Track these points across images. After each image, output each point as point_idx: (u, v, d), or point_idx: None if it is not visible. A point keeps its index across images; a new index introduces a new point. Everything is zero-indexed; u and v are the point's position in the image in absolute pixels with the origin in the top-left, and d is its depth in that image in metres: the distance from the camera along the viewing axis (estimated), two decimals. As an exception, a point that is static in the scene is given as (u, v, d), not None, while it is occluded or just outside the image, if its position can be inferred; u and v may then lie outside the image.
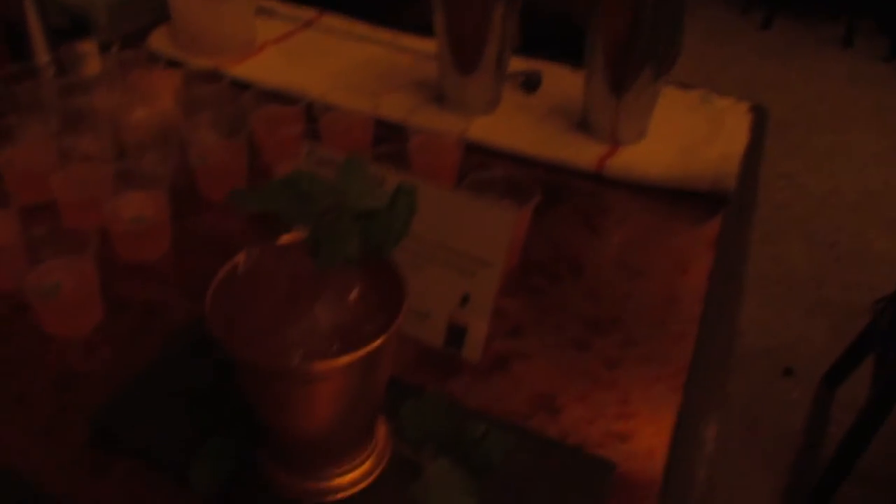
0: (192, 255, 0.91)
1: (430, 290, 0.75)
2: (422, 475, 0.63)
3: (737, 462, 1.82)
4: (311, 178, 0.55)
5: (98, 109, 1.05)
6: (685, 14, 1.04)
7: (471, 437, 0.66)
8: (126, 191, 0.90)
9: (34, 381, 0.75)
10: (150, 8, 1.51)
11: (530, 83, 1.26)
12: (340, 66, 1.31)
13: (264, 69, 1.29)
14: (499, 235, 0.72)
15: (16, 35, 1.27)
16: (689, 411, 0.72)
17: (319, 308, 0.53)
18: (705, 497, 0.66)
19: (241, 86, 1.11)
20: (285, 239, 0.59)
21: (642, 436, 0.70)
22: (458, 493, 0.62)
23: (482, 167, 0.91)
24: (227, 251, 0.59)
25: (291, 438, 0.61)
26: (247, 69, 1.29)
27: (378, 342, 0.52)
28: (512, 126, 1.16)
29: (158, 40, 1.37)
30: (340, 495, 0.63)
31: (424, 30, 1.33)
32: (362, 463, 0.64)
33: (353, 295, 0.54)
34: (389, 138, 0.99)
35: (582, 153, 1.09)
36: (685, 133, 1.14)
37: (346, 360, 0.50)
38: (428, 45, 1.34)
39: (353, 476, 0.63)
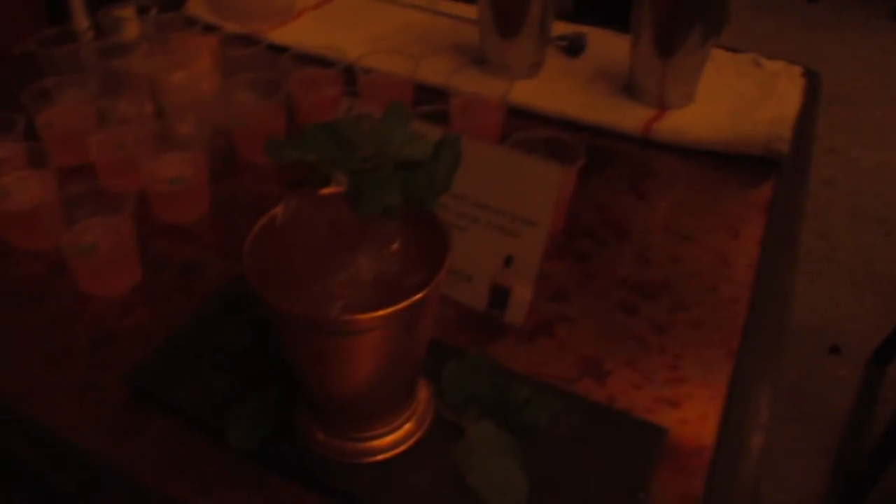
0: (229, 217, 0.90)
1: (472, 252, 0.72)
2: (464, 437, 0.61)
3: (782, 439, 1.78)
4: (351, 125, 0.53)
5: (136, 72, 1.04)
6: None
7: (515, 399, 0.64)
8: (164, 153, 0.89)
9: (71, 340, 0.74)
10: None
11: (574, 47, 1.23)
12: (379, 31, 1.29)
13: (302, 34, 1.27)
14: (545, 194, 0.69)
15: (55, 0, 1.27)
16: (742, 377, 0.69)
17: (361, 258, 0.51)
18: (760, 466, 0.64)
19: (278, 50, 1.09)
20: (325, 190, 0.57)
21: (694, 401, 0.67)
22: (501, 456, 0.60)
23: (524, 130, 0.88)
24: (265, 213, 0.57)
25: (330, 396, 0.59)
26: (284, 34, 1.27)
27: (421, 294, 0.50)
28: (555, 90, 1.12)
29: (196, 6, 1.36)
30: (380, 457, 0.61)
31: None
32: (402, 425, 0.62)
33: (395, 246, 0.52)
34: (429, 102, 0.96)
35: (628, 117, 1.06)
36: (735, 97, 1.10)
37: (387, 311, 0.48)
38: (468, 10, 1.32)
39: (392, 438, 0.62)
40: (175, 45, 1.13)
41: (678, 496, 0.60)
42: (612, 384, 0.69)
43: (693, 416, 0.66)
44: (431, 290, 0.51)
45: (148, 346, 0.72)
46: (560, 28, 1.23)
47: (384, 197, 0.51)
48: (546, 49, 1.18)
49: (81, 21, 1.25)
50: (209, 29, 1.23)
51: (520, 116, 1.07)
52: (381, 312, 0.48)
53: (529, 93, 1.10)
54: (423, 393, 0.65)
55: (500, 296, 0.73)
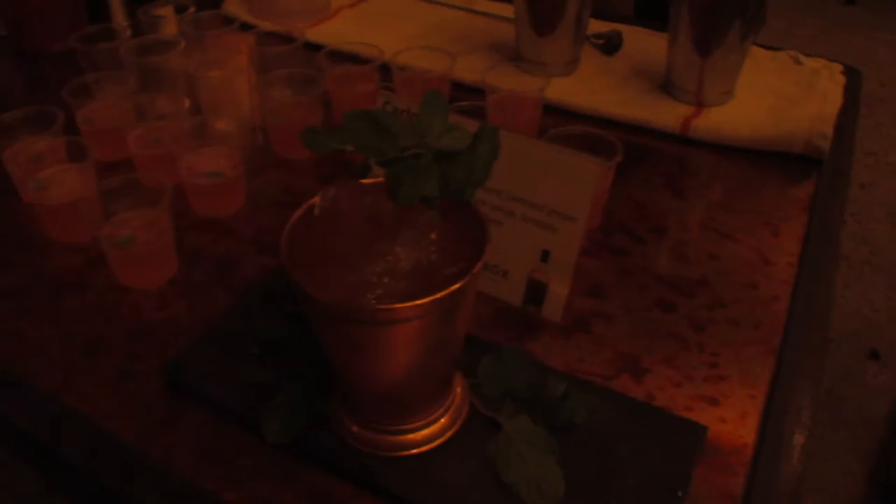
0: (265, 212, 0.90)
1: (509, 247, 0.72)
2: (500, 432, 0.60)
3: (819, 444, 1.75)
4: (390, 115, 0.52)
5: (174, 69, 1.05)
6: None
7: (552, 395, 0.63)
8: (201, 147, 0.90)
9: (108, 332, 0.74)
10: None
11: (610, 45, 1.22)
12: (415, 29, 1.29)
13: (338, 32, 1.27)
14: (583, 189, 0.68)
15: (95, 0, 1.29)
16: (785, 374, 0.68)
17: (399, 247, 0.50)
18: (802, 466, 0.62)
19: (314, 48, 1.10)
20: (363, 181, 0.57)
21: (733, 399, 0.66)
22: (538, 452, 0.59)
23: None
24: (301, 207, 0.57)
25: (367, 388, 0.59)
26: (320, 33, 1.27)
27: (460, 283, 0.49)
28: (592, 87, 1.12)
29: (233, 5, 1.37)
30: (414, 451, 0.61)
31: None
32: (438, 419, 0.62)
33: (433, 235, 0.52)
34: (465, 100, 0.96)
35: (665, 114, 1.05)
36: (775, 94, 1.08)
37: (426, 300, 0.48)
38: (503, 8, 1.31)
39: (428, 432, 0.61)
40: (212, 42, 1.14)
41: (718, 495, 0.59)
42: (650, 381, 0.68)
43: (733, 414, 0.65)
44: (470, 279, 0.50)
45: (183, 339, 0.72)
46: (596, 26, 1.23)
47: (422, 186, 0.51)
48: (582, 47, 1.17)
49: (121, 19, 1.27)
50: (246, 27, 1.24)
51: (556, 114, 1.06)
52: (419, 301, 0.48)
53: (565, 90, 1.10)
54: (459, 387, 0.64)
55: (536, 291, 0.72)
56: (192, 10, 1.20)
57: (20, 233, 0.88)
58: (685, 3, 1.02)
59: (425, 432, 0.61)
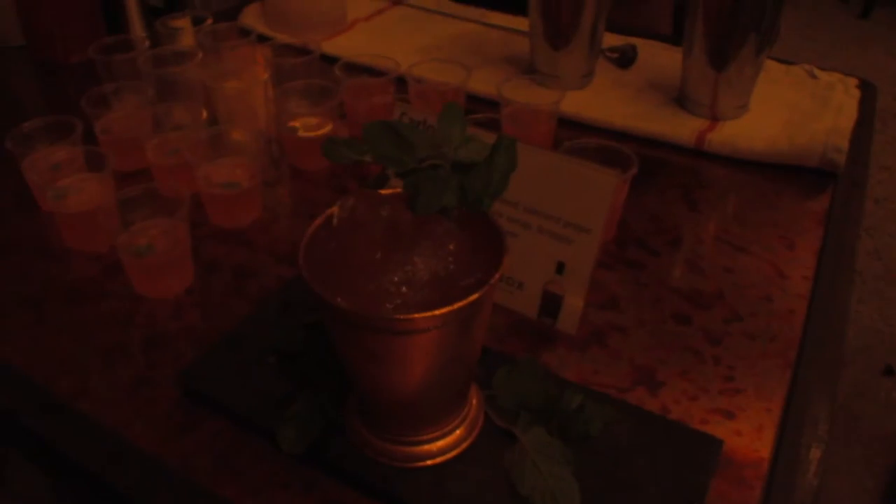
0: (280, 222, 0.91)
1: (524, 259, 0.72)
2: (516, 444, 0.60)
3: (833, 460, 1.74)
4: (409, 126, 0.53)
5: (191, 80, 1.06)
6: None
7: (567, 407, 0.63)
8: (218, 158, 0.90)
9: (125, 340, 0.75)
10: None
11: (625, 58, 1.22)
12: (430, 42, 1.29)
13: (354, 45, 1.28)
14: (599, 201, 0.69)
15: (114, 11, 1.30)
16: (801, 388, 0.68)
17: (417, 257, 0.51)
18: (819, 480, 0.62)
19: (330, 60, 1.10)
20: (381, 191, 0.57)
21: (749, 413, 0.66)
22: (554, 464, 0.59)
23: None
24: (316, 218, 0.57)
25: (383, 398, 0.59)
26: (336, 45, 1.28)
27: (478, 293, 0.49)
28: (606, 100, 1.12)
29: (250, 17, 1.38)
30: (430, 462, 0.61)
31: (514, 6, 1.31)
32: (453, 430, 0.62)
33: (451, 246, 0.52)
34: (480, 112, 0.96)
35: (680, 128, 1.05)
36: (790, 108, 1.08)
37: (445, 310, 0.48)
38: (518, 22, 1.32)
39: (443, 443, 0.61)
40: (229, 54, 1.15)
41: (734, 508, 0.59)
42: (665, 394, 0.68)
43: (749, 427, 0.65)
44: (488, 289, 0.50)
45: (199, 347, 0.73)
46: (611, 39, 1.23)
47: (441, 197, 0.51)
48: (597, 60, 1.17)
49: (139, 30, 1.29)
50: (262, 39, 1.25)
51: (570, 127, 1.06)
52: (438, 311, 0.48)
53: (580, 103, 1.10)
54: (475, 399, 0.64)
55: (551, 303, 0.72)
56: (209, 21, 1.21)
57: (38, 241, 0.88)
58: (700, 17, 1.03)
59: (440, 443, 0.61)
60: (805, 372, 0.69)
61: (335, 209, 0.55)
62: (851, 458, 1.76)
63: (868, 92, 1.13)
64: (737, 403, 0.67)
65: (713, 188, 0.97)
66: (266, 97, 1.08)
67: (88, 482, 0.64)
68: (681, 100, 1.11)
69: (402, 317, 0.49)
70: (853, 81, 1.15)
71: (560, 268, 0.71)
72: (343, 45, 1.28)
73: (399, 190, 0.54)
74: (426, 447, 0.61)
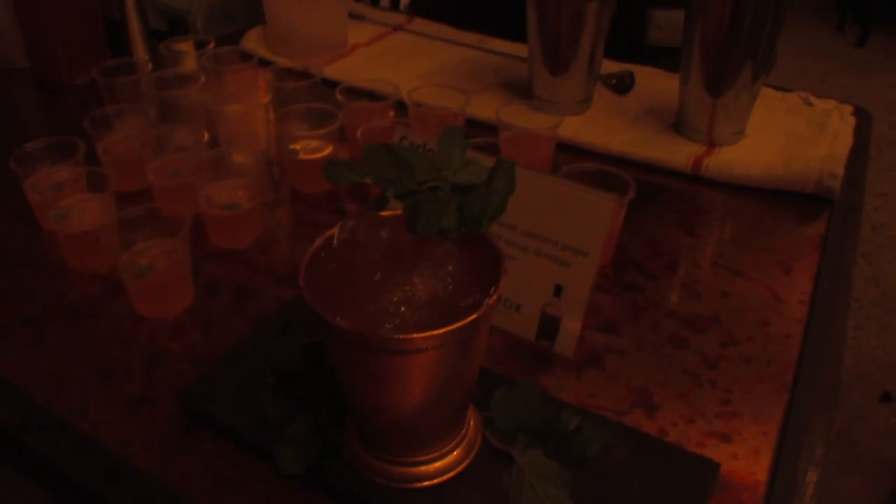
0: (281, 244, 0.91)
1: (522, 281, 0.72)
2: (513, 466, 0.61)
3: (832, 487, 1.73)
4: (409, 149, 0.53)
5: (193, 102, 1.07)
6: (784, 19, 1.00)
7: (565, 429, 0.63)
8: (219, 179, 0.91)
9: (125, 359, 0.75)
10: (245, 13, 1.54)
11: (622, 84, 1.24)
12: (430, 67, 1.31)
13: (354, 69, 1.29)
14: (596, 224, 0.69)
15: (117, 34, 1.32)
16: (798, 411, 0.68)
17: (416, 278, 0.51)
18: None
19: (331, 85, 1.12)
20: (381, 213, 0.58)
21: (746, 436, 0.66)
22: (551, 486, 0.59)
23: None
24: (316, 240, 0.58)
25: (381, 418, 0.59)
26: (337, 70, 1.29)
27: (477, 314, 0.50)
28: (604, 126, 1.13)
29: (251, 41, 1.39)
30: (427, 483, 0.61)
31: (512, 33, 1.32)
32: (451, 451, 0.62)
33: (451, 267, 0.52)
34: (479, 137, 0.97)
35: (677, 153, 1.06)
36: (786, 134, 1.10)
37: (444, 330, 0.49)
38: (517, 48, 1.33)
39: (441, 464, 0.61)
40: (231, 77, 1.16)
41: (731, 531, 0.59)
42: (662, 417, 0.68)
43: (745, 451, 0.65)
44: (487, 310, 0.51)
45: (199, 367, 0.73)
46: (609, 66, 1.24)
47: (440, 219, 0.52)
48: (595, 86, 1.18)
49: (142, 53, 1.30)
50: (264, 63, 1.26)
51: (568, 151, 1.07)
52: (437, 331, 0.49)
53: (578, 128, 1.11)
54: (472, 420, 0.65)
55: (549, 326, 0.73)
56: (211, 45, 1.22)
57: (40, 260, 0.89)
58: (696, 44, 1.04)
59: (438, 464, 0.61)
60: (802, 395, 0.70)
61: (335, 230, 0.56)
62: (850, 484, 1.76)
63: (863, 119, 1.15)
64: (733, 427, 0.67)
65: (710, 213, 0.98)
66: (267, 120, 1.09)
67: (87, 501, 0.64)
68: (678, 126, 1.12)
69: (401, 336, 0.50)
70: (849, 108, 1.16)
71: (558, 290, 0.71)
72: (344, 70, 1.29)
73: (399, 212, 0.54)
74: (424, 468, 0.61)
